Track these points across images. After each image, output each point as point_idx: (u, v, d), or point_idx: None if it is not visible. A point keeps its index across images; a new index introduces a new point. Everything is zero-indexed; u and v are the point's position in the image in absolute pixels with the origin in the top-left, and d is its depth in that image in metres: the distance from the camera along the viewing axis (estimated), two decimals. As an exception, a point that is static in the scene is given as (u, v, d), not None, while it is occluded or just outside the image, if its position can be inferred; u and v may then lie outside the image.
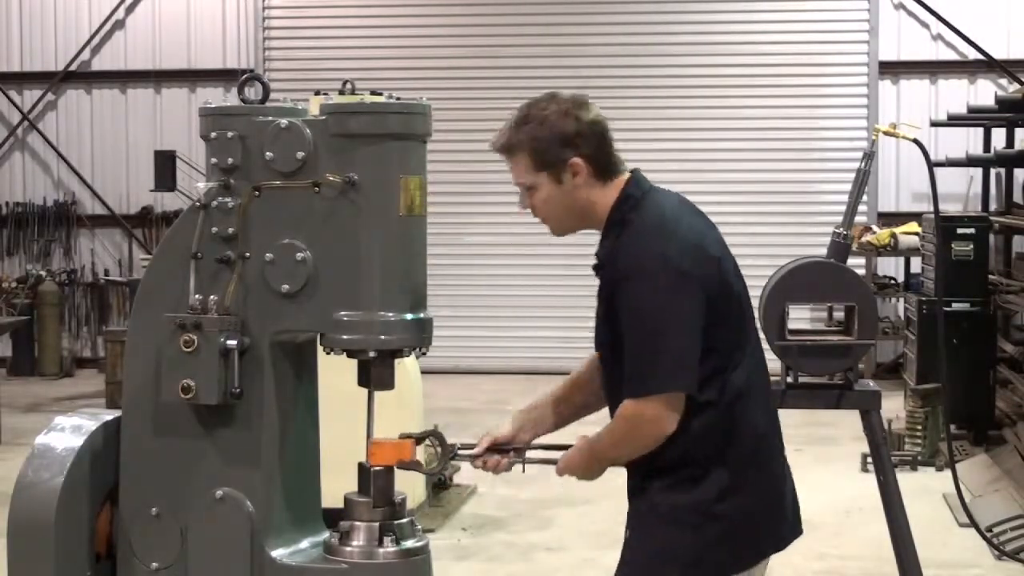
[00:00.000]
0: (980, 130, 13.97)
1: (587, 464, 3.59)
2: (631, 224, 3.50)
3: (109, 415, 3.79)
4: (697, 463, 3.50)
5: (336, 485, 3.78)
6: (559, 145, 3.48)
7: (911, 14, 15.03)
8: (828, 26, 15.17)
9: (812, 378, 6.07)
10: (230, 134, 3.60)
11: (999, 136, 13.49)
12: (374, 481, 3.55)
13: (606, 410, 3.68)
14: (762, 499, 3.60)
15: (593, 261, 3.61)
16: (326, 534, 3.68)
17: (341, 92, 7.94)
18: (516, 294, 15.39)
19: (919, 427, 10.13)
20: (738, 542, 3.56)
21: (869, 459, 8.01)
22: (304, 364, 3.72)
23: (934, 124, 14.18)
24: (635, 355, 3.43)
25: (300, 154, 3.55)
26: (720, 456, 3.52)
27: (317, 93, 8.40)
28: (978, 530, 7.56)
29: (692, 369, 3.42)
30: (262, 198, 3.59)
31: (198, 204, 3.61)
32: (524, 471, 3.77)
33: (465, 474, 9.29)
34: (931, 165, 6.48)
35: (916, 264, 13.47)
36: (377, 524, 3.55)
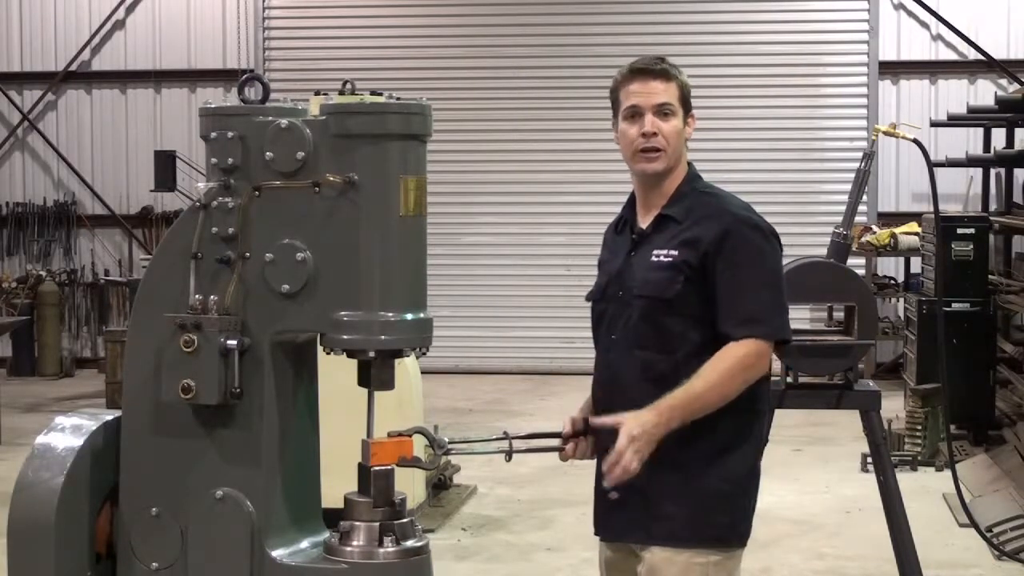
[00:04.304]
0: (980, 130, 13.97)
1: (685, 410, 3.58)
2: (715, 195, 3.83)
3: (109, 415, 3.79)
4: (733, 437, 3.70)
5: (336, 485, 3.78)
6: (690, 98, 3.94)
7: (911, 14, 15.03)
8: (828, 26, 15.18)
9: (812, 378, 6.07)
10: (230, 134, 3.59)
11: (999, 136, 13.49)
12: (374, 481, 3.55)
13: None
14: (757, 482, 3.79)
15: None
16: (326, 534, 3.67)
17: (341, 92, 7.92)
18: (516, 294, 15.39)
19: (919, 427, 10.13)
20: (749, 519, 3.76)
21: (869, 459, 8.00)
22: (304, 364, 3.71)
23: (934, 124, 14.19)
24: (754, 299, 3.70)
25: (300, 154, 3.54)
26: (748, 431, 3.74)
27: (317, 93, 8.40)
28: (978, 530, 7.56)
29: None
30: (262, 198, 3.58)
31: (198, 204, 3.61)
32: (509, 459, 3.76)
33: (465, 474, 9.29)
34: (931, 165, 6.48)
35: (916, 264, 13.47)
36: (377, 524, 3.54)
